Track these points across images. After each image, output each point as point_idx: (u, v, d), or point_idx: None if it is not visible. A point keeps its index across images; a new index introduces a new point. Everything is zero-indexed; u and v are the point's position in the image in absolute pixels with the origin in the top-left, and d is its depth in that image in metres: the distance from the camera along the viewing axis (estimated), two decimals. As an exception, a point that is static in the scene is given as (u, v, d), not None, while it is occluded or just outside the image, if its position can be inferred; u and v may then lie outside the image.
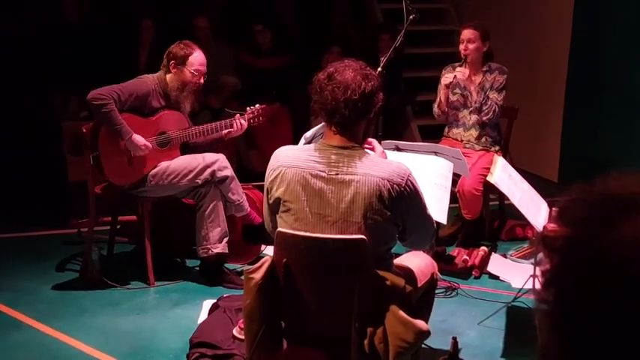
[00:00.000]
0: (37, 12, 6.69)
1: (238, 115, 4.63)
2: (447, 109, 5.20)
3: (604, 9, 6.25)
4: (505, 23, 7.30)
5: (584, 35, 6.40)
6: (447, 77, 5.09)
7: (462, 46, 5.04)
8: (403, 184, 2.65)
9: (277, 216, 2.78)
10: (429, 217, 2.85)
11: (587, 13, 6.38)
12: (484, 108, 5.05)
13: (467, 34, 5.02)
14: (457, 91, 5.17)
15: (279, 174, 2.75)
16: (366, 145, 2.90)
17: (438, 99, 5.22)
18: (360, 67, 2.71)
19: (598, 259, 0.82)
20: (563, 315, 0.85)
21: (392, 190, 2.63)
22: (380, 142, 3.68)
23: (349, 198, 2.64)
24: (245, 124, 4.61)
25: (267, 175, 2.81)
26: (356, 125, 2.72)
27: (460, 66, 5.06)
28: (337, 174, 2.67)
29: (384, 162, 2.74)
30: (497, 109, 5.05)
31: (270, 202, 2.80)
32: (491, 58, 5.14)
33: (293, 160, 2.74)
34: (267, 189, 2.81)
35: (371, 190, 2.63)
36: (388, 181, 2.64)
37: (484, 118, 5.08)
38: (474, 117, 5.13)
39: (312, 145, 2.86)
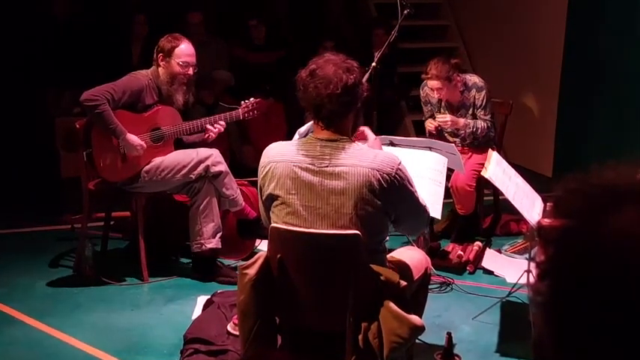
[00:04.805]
0: (28, 7, 6.65)
1: (214, 118, 4.59)
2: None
3: (598, 5, 6.25)
4: (499, 18, 7.30)
5: (579, 30, 6.40)
6: (429, 126, 5.04)
7: (435, 95, 4.96)
8: (393, 174, 2.66)
9: (270, 211, 2.78)
10: (422, 205, 2.85)
11: (581, 8, 6.38)
12: (477, 133, 4.99)
13: (433, 85, 4.86)
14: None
15: (269, 170, 2.75)
16: (359, 134, 2.92)
17: (427, 130, 5.15)
18: (341, 61, 2.72)
19: (593, 249, 0.82)
20: (557, 306, 0.84)
21: (382, 180, 2.64)
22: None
23: (339, 189, 2.65)
24: (223, 124, 4.58)
25: (259, 172, 2.82)
26: (342, 118, 2.73)
27: (439, 111, 5.02)
28: (327, 166, 2.67)
29: (373, 152, 2.74)
30: (488, 125, 5.00)
31: (264, 198, 2.81)
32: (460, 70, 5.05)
33: (282, 154, 2.75)
34: (260, 186, 2.82)
35: (361, 181, 2.63)
36: (378, 170, 2.64)
37: (479, 138, 5.03)
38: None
39: (301, 140, 2.86)
